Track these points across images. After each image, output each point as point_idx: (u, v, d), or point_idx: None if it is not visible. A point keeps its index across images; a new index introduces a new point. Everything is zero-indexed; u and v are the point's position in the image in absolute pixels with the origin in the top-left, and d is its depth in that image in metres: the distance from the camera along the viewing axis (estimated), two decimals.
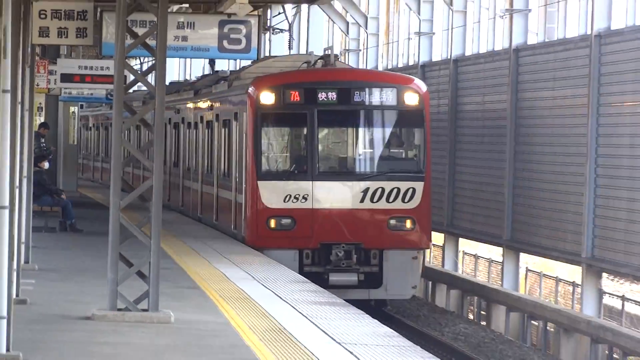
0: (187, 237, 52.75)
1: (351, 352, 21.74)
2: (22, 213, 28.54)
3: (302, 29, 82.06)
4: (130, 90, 47.44)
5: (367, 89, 44.76)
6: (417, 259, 43.71)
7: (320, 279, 40.18)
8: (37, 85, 38.75)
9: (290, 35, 69.72)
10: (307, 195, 43.03)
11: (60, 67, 42.40)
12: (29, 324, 23.07)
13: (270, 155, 47.62)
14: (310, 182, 43.11)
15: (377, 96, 44.62)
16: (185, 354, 21.65)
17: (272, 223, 43.16)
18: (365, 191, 42.91)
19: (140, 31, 25.39)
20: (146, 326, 24.25)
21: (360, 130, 46.13)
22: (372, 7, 74.23)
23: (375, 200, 42.87)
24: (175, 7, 34.08)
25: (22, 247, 28.97)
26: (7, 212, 19.11)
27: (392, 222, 43.67)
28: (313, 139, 43.33)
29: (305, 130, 44.30)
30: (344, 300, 33.85)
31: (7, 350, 19.86)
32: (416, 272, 44.43)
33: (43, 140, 46.12)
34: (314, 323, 25.75)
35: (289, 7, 70.43)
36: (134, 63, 35.61)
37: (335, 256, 41.46)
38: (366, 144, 46.87)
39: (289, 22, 67.23)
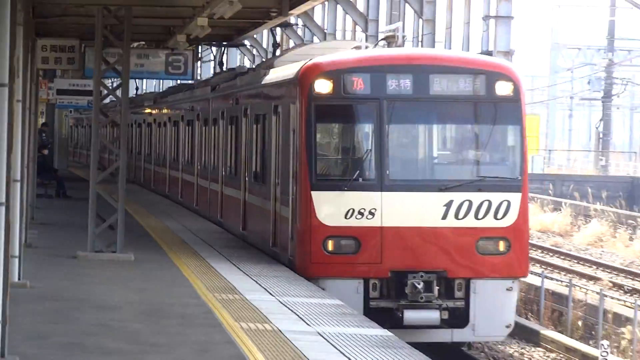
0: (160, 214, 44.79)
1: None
2: (29, 184, 28.77)
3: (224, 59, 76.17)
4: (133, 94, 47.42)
5: (450, 76, 26.16)
6: (513, 290, 25.87)
7: (391, 317, 24.37)
8: (40, 96, 39.12)
9: (216, 63, 61.27)
10: (375, 209, 24.76)
11: (56, 84, 42.43)
12: (35, 262, 22.97)
13: (328, 159, 27.48)
14: (379, 193, 24.97)
15: (462, 84, 26.17)
16: (142, 281, 21.85)
17: (330, 245, 24.72)
18: (449, 205, 24.99)
19: (111, 60, 26.14)
20: (115, 263, 24.34)
21: (442, 127, 27.35)
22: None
23: (461, 216, 25.00)
24: (135, 44, 33.94)
25: (29, 207, 29.16)
26: (18, 184, 19.53)
27: (482, 243, 25.46)
28: (382, 138, 24.93)
29: (372, 127, 25.41)
30: (421, 343, 22.68)
31: (19, 279, 20.02)
32: (511, 307, 26.13)
33: (44, 134, 45.76)
34: (236, 266, 25.95)
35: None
36: (108, 82, 33.24)
37: (412, 288, 23.94)
38: (449, 145, 27.95)
39: (213, 54, 59.39)
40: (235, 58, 72.82)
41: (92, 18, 26.61)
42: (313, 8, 51.79)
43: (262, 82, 30.01)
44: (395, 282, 24.26)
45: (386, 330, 18.94)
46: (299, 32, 54.94)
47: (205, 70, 71.45)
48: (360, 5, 52.49)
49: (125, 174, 27.22)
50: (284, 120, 26.74)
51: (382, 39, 29.61)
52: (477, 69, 25.93)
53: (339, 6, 51.92)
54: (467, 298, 24.75)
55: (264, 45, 64.20)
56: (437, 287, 24.08)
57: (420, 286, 23.59)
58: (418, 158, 26.40)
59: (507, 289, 25.27)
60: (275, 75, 28.92)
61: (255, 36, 54.49)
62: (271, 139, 28.17)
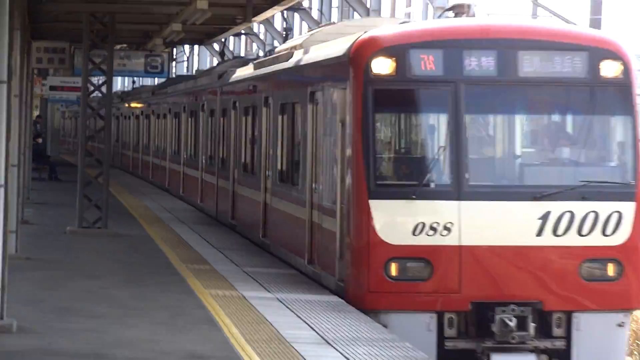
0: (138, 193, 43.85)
1: None
2: (25, 168, 28.54)
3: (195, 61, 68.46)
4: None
5: (544, 53, 18.16)
6: (624, 326, 17.70)
7: None
8: (35, 92, 38.93)
9: (189, 63, 60.88)
10: (451, 224, 17.03)
11: (49, 81, 42.13)
12: (30, 236, 22.71)
13: (390, 159, 19.19)
14: (456, 202, 17.23)
15: (559, 64, 18.00)
16: (125, 252, 21.55)
17: (394, 269, 16.87)
18: (545, 217, 17.16)
19: (97, 60, 25.84)
20: (100, 237, 24.02)
21: (534, 118, 19.20)
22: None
23: (560, 232, 17.14)
24: (118, 46, 33.74)
25: (25, 189, 29.01)
26: (15, 169, 19.49)
27: (587, 267, 17.42)
28: (459, 132, 17.42)
29: (446, 118, 17.78)
30: None
31: (16, 251, 19.95)
32: (622, 347, 17.94)
33: (38, 125, 45.61)
34: (206, 242, 25.98)
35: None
36: (94, 79, 32.60)
37: (501, 325, 16.25)
38: (543, 141, 19.39)
39: (186, 55, 59.23)
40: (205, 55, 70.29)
41: (80, 24, 26.43)
42: None
43: (291, 66, 21.98)
44: (478, 316, 16.62)
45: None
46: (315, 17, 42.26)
47: (180, 69, 68.50)
48: None
49: (109, 160, 26.66)
50: (325, 109, 18.90)
51: (448, 9, 20.23)
52: (577, 44, 17.94)
53: None
54: (568, 337, 16.97)
55: (262, 36, 59.58)
56: (534, 324, 16.51)
57: (511, 323, 16.19)
58: (505, 157, 18.51)
59: (618, 325, 17.30)
60: (310, 56, 21.02)
61: (258, 25, 50.17)
62: (306, 132, 20.31)
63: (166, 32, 30.07)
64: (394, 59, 16.39)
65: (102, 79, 26.80)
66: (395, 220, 16.68)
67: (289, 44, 24.96)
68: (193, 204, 34.38)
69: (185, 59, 58.16)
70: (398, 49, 16.45)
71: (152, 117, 47.16)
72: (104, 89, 27.13)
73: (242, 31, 37.84)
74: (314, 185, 19.59)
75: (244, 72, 27.71)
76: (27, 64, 27.46)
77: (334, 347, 12.91)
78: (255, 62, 27.13)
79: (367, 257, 16.56)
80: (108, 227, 25.11)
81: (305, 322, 14.24)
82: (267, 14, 28.38)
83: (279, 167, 22.89)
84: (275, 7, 26.16)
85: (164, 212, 31.95)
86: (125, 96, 60.06)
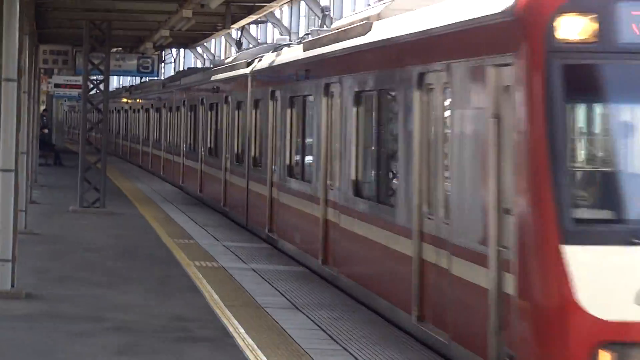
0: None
1: None
2: (33, 155, 28.48)
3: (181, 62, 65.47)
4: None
5: None
6: None
7: None
8: (42, 89, 38.85)
9: (176, 64, 58.32)
10: None
11: (54, 80, 42.05)
12: (37, 215, 22.54)
13: (591, 179, 9.30)
14: None
15: None
16: (121, 227, 21.49)
17: None
18: None
19: (95, 61, 25.86)
20: (99, 215, 23.88)
21: None
22: None
23: None
24: (114, 49, 33.51)
25: (33, 173, 28.94)
26: (25, 156, 19.46)
27: None
28: None
29: None
30: None
31: (25, 227, 19.89)
32: None
33: (44, 118, 45.37)
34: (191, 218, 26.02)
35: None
36: (93, 78, 31.82)
37: None
38: None
39: (173, 57, 57.62)
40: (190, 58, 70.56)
41: (81, 30, 26.34)
42: None
43: (376, 40, 13.86)
44: None
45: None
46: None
47: (168, 70, 65.81)
48: None
49: (106, 149, 26.07)
50: (451, 98, 11.14)
51: None
52: None
53: None
54: None
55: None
56: None
57: None
58: None
59: None
60: (418, 23, 12.41)
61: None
62: (409, 131, 12.37)
63: (156, 37, 30.01)
64: (592, 18, 8.80)
65: (100, 77, 26.71)
66: (607, 280, 8.93)
67: (354, 17, 16.34)
68: (216, 207, 25.48)
69: (173, 60, 57.82)
70: (598, 4, 8.84)
71: (164, 111, 38.52)
72: (102, 86, 27.33)
73: (260, 19, 30.45)
74: (427, 207, 11.78)
75: (287, 55, 19.26)
76: (35, 64, 27.45)
77: (302, 312, 12.77)
78: (305, 41, 18.69)
79: (566, 341, 8.88)
80: (105, 207, 24.90)
81: (277, 289, 14.18)
82: (243, 22, 28.05)
83: (359, 178, 14.67)
84: (251, 15, 26.19)
85: (154, 194, 31.57)
86: (133, 89, 53.59)
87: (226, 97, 24.56)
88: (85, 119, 26.25)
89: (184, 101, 33.08)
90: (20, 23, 14.10)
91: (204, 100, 28.61)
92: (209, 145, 27.57)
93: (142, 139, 45.37)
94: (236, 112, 23.15)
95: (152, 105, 41.65)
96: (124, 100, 54.67)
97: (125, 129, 52.51)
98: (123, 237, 20.13)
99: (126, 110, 51.92)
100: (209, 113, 27.51)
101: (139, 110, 46.02)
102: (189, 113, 31.81)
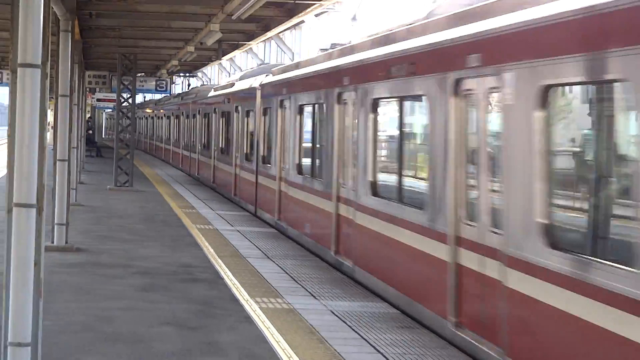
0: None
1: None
2: (81, 149, 28.06)
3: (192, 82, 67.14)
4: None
5: None
6: None
7: None
8: (88, 102, 38.72)
9: (183, 85, 57.71)
10: None
11: (96, 95, 41.64)
12: (83, 192, 22.35)
13: None
14: None
15: None
16: (142, 202, 21.25)
17: None
18: None
19: (125, 82, 25.89)
20: (129, 192, 23.70)
21: None
22: None
23: None
24: (139, 74, 33.34)
25: (81, 162, 28.77)
26: (75, 150, 19.28)
27: None
28: None
29: None
30: None
31: (75, 201, 19.73)
32: None
33: (90, 123, 45.05)
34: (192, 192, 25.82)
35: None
36: (124, 94, 30.83)
37: None
38: None
39: (181, 80, 57.10)
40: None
41: (115, 60, 26.28)
42: None
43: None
44: None
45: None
46: None
47: (177, 89, 65.51)
48: None
49: (134, 145, 25.70)
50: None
51: None
52: None
53: None
54: None
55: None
56: None
57: None
58: None
59: None
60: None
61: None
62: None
63: (168, 66, 29.96)
64: None
65: (128, 94, 26.75)
66: None
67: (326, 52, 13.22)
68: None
69: (181, 82, 57.43)
70: None
71: (182, 118, 34.13)
72: (130, 100, 27.39)
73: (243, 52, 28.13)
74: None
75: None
76: (82, 85, 27.06)
77: (272, 260, 12.61)
78: (331, 50, 13.06)
79: None
80: (133, 186, 24.82)
81: (254, 244, 14.11)
82: (231, 55, 28.33)
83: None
84: (236, 50, 26.19)
85: (168, 177, 31.28)
86: (165, 100, 46.29)
87: (236, 107, 20.72)
88: (118, 124, 26.14)
89: (199, 110, 28.82)
90: (72, 56, 14.02)
91: (216, 109, 24.47)
92: (221, 145, 23.96)
93: (165, 139, 43.16)
94: (246, 119, 19.51)
95: (173, 113, 38.71)
96: (160, 110, 49.34)
97: (153, 132, 49.99)
98: (146, 208, 20.09)
99: (159, 117, 47.78)
100: (221, 120, 23.76)
101: (167, 117, 42.46)
102: (203, 120, 27.92)
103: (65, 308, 8.96)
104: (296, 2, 15.90)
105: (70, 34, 13.36)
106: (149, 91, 38.30)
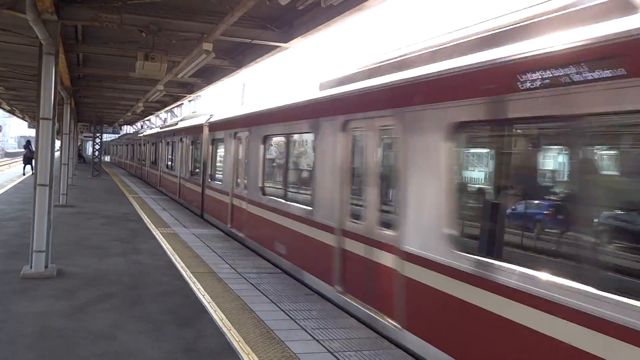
0: None
1: None
2: (74, 162, 30.76)
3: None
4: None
5: None
6: None
7: None
8: (78, 137, 43.40)
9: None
10: None
11: (83, 134, 46.90)
12: (76, 179, 28.09)
13: None
14: None
15: None
16: (107, 182, 27.06)
17: None
18: None
19: (98, 128, 32.08)
20: (98, 180, 29.78)
21: None
22: None
23: None
24: (105, 125, 39.90)
25: (75, 164, 32.08)
26: (72, 159, 23.24)
27: None
28: None
29: None
30: None
31: (70, 183, 23.87)
32: None
33: (79, 148, 49.71)
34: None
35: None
36: (98, 134, 37.23)
37: None
38: None
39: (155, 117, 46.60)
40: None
41: (92, 117, 32.35)
42: None
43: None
44: None
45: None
46: None
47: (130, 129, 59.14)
48: None
49: (101, 159, 30.78)
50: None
51: None
52: None
53: None
54: None
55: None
56: None
57: None
58: None
59: None
60: None
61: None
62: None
63: (123, 119, 35.65)
64: None
65: (98, 134, 32.72)
66: None
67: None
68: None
69: (139, 125, 54.28)
70: None
71: (149, 145, 33.13)
72: (98, 138, 32.59)
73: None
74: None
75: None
76: (76, 128, 30.69)
77: (169, 212, 16.77)
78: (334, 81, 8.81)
79: None
80: (101, 177, 30.09)
81: (205, 243, 12.62)
82: (199, 92, 26.82)
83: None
84: (205, 87, 26.82)
85: (122, 174, 35.56)
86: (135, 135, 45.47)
87: (187, 138, 17.55)
88: (94, 150, 32.46)
89: (162, 140, 26.69)
90: (71, 115, 18.66)
91: (173, 139, 22.75)
92: (171, 163, 20.89)
93: (130, 158, 44.69)
94: (192, 147, 16.92)
95: (136, 143, 39.30)
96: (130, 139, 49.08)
97: (126, 155, 51.28)
98: (108, 187, 25.28)
99: (128, 145, 48.39)
100: (167, 146, 23.15)
101: (139, 145, 40.47)
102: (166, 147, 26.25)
103: (64, 233, 11.89)
104: (214, 73, 16.08)
105: (69, 105, 17.53)
106: (109, 132, 44.85)
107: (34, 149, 12.12)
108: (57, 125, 9.78)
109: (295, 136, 9.00)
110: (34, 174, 8.58)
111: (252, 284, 8.65)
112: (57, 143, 22.42)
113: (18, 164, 46.82)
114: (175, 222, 14.85)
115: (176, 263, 9.99)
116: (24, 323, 6.68)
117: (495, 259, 4.26)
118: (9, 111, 32.92)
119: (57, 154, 19.21)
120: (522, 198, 4.31)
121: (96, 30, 12.22)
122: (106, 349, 5.97)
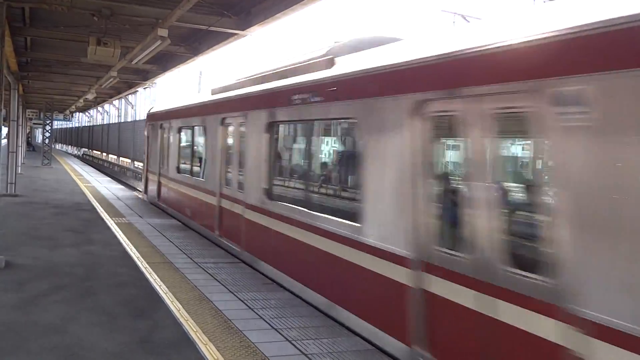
0: None
1: None
2: (23, 147, 31.59)
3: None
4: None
5: None
6: None
7: None
8: (27, 124, 44.98)
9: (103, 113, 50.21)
10: None
11: (33, 121, 47.23)
12: (25, 168, 28.73)
13: None
14: None
15: None
16: (57, 173, 26.56)
17: None
18: None
19: (48, 115, 34.50)
20: (49, 168, 28.41)
21: None
22: None
23: None
24: (56, 111, 39.97)
25: (22, 156, 31.29)
26: (20, 147, 22.53)
27: None
28: None
29: None
30: None
31: (20, 172, 23.95)
32: None
33: (29, 135, 51.57)
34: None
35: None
36: (48, 121, 39.39)
37: None
38: None
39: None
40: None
41: (42, 104, 32.37)
42: None
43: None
44: None
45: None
46: None
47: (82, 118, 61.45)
48: None
49: (51, 146, 31.71)
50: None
51: None
52: None
53: None
54: None
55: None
56: None
57: None
58: None
59: None
60: None
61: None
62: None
63: (73, 106, 35.74)
64: None
65: (48, 121, 32.60)
66: None
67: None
68: None
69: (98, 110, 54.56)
70: None
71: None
72: (49, 125, 32.30)
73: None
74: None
75: (165, 105, 15.44)
76: (24, 115, 31.66)
77: (123, 202, 16.47)
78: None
79: None
80: (51, 166, 30.01)
81: (161, 233, 12.35)
82: (155, 79, 22.47)
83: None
84: (161, 74, 19.90)
85: (75, 160, 35.67)
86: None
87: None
88: (44, 136, 32.26)
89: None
90: (19, 101, 19.11)
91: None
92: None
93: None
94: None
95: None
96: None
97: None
98: (59, 175, 24.66)
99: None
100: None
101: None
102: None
103: (12, 224, 11.59)
104: (167, 62, 17.05)
105: (16, 91, 17.73)
106: (60, 119, 43.38)
107: None
108: (3, 111, 9.52)
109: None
110: None
111: (209, 273, 8.67)
112: (4, 130, 20.65)
113: None
114: (130, 212, 14.72)
115: (131, 253, 9.84)
116: None
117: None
118: None
119: (4, 141, 17.60)
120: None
121: (45, 13, 11.94)
122: (58, 342, 5.78)
